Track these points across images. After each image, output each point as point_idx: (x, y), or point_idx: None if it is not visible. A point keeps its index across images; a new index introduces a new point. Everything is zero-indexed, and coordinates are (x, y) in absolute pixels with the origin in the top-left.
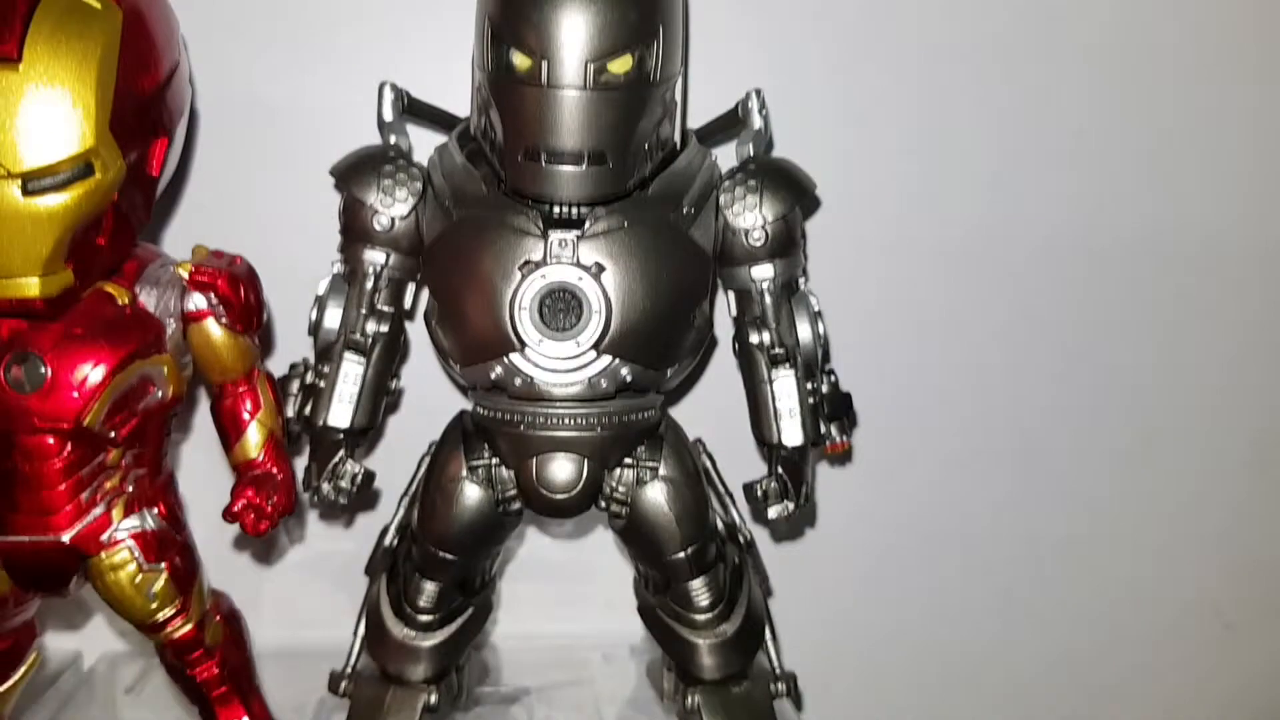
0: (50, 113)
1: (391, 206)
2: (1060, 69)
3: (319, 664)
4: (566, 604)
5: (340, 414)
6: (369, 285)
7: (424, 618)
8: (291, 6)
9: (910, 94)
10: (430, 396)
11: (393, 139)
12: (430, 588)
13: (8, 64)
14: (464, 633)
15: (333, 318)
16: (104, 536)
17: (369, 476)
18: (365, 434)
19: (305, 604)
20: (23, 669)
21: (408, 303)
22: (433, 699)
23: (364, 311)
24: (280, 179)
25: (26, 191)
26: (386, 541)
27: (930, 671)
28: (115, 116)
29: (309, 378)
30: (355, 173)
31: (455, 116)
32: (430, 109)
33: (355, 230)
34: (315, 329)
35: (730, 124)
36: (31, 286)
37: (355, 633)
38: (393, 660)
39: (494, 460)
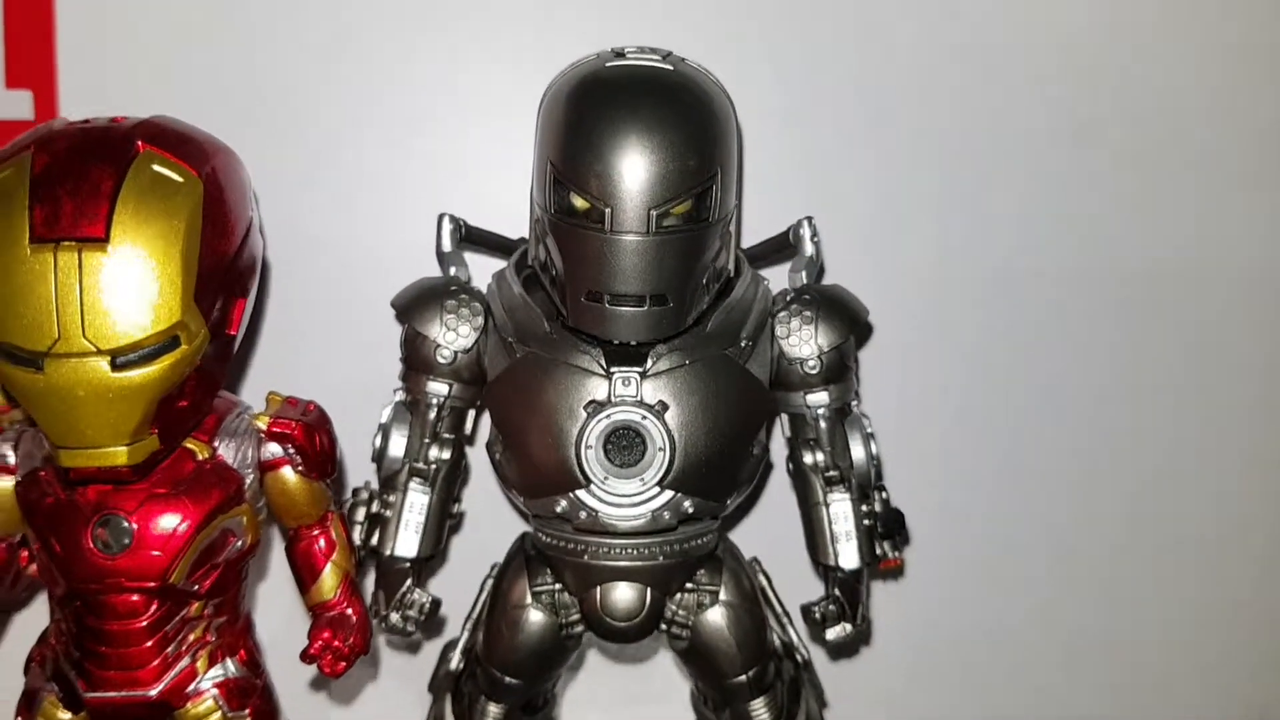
0: (138, 290)
1: (455, 341)
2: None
3: None
4: (620, 705)
5: (407, 543)
6: (432, 415)
7: None
8: (342, 140)
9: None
10: (489, 517)
11: (452, 270)
12: (495, 710)
13: (96, 245)
14: None
15: (397, 445)
16: (189, 688)
17: (436, 604)
18: (430, 560)
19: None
20: None
21: (468, 429)
22: None
23: (427, 440)
24: (336, 311)
25: (115, 367)
26: (452, 666)
27: None
28: (199, 286)
29: (375, 506)
30: (417, 306)
31: (511, 241)
32: (487, 235)
33: (418, 362)
34: (380, 456)
35: (780, 247)
36: (120, 455)
37: None
38: None
39: (557, 586)
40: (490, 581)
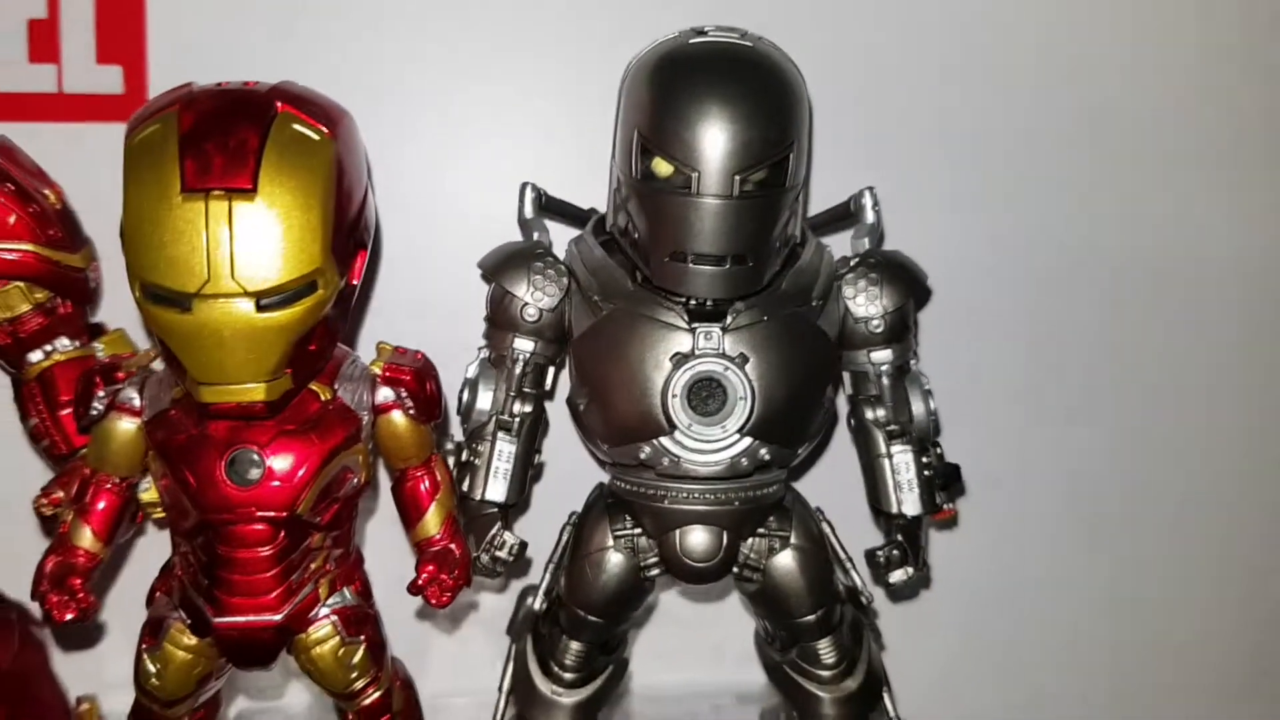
0: (282, 237)
1: (541, 300)
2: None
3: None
4: (677, 658)
5: (496, 489)
6: (517, 370)
7: (569, 675)
8: (424, 114)
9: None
10: (566, 468)
11: (535, 235)
12: (576, 648)
13: (245, 195)
14: (605, 689)
15: (483, 400)
16: (310, 614)
17: (523, 546)
18: (515, 506)
19: (449, 663)
20: None
21: (548, 385)
22: None
23: (512, 394)
24: (419, 275)
25: (259, 308)
26: (536, 606)
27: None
28: (333, 236)
29: (464, 455)
30: (506, 267)
31: (583, 211)
32: (563, 205)
33: (504, 320)
34: (467, 411)
35: (841, 217)
36: (258, 392)
37: (500, 689)
38: (541, 715)
39: (636, 530)
40: (570, 528)
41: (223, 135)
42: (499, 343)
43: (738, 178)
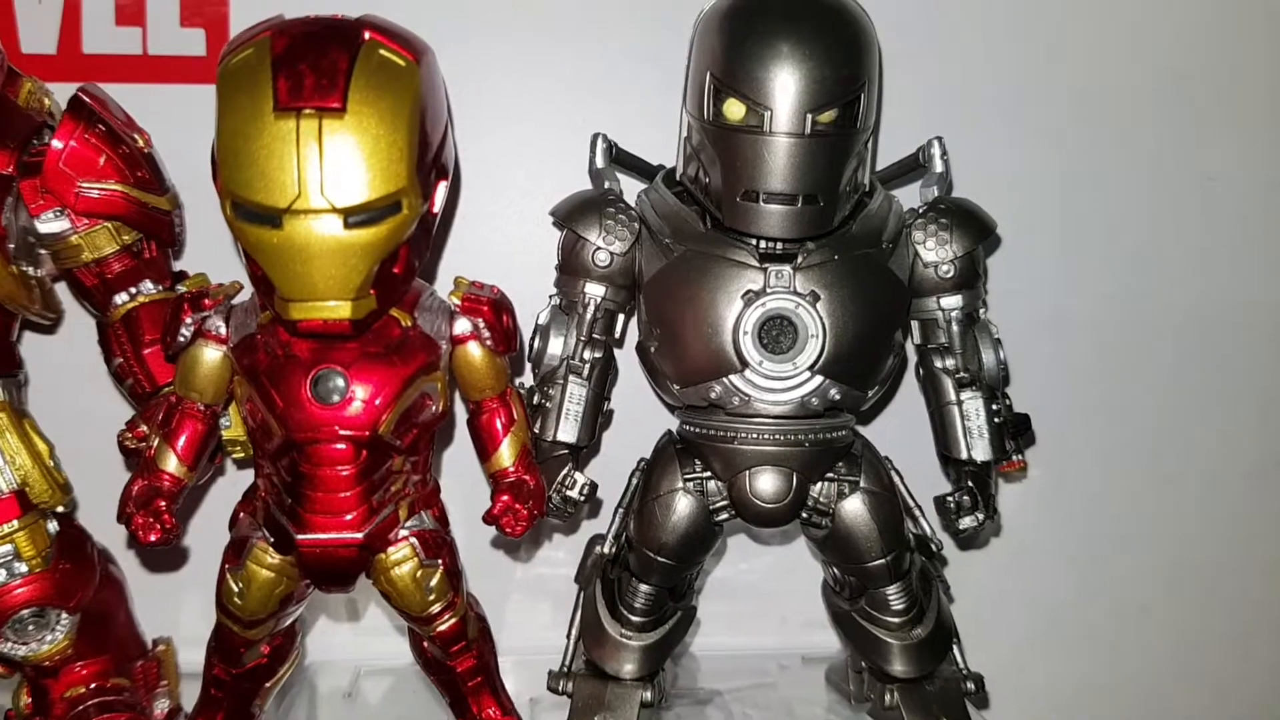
0: (370, 156)
1: (613, 244)
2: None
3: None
4: (744, 621)
5: (568, 430)
6: (588, 316)
7: (638, 619)
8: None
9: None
10: (635, 416)
11: (605, 184)
12: (645, 590)
13: (335, 114)
14: (673, 634)
15: (554, 345)
16: (390, 535)
17: (594, 486)
18: (585, 449)
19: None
20: (287, 666)
21: (617, 332)
22: (648, 695)
23: (583, 339)
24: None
25: (347, 225)
26: (607, 549)
27: (1101, 674)
28: (418, 160)
29: (535, 399)
30: (579, 213)
31: (650, 165)
32: (630, 158)
33: (576, 266)
34: (538, 357)
35: (910, 168)
36: (345, 309)
37: (569, 636)
38: (610, 658)
39: (706, 474)
40: (639, 474)
41: (314, 58)
42: (570, 288)
43: (810, 116)
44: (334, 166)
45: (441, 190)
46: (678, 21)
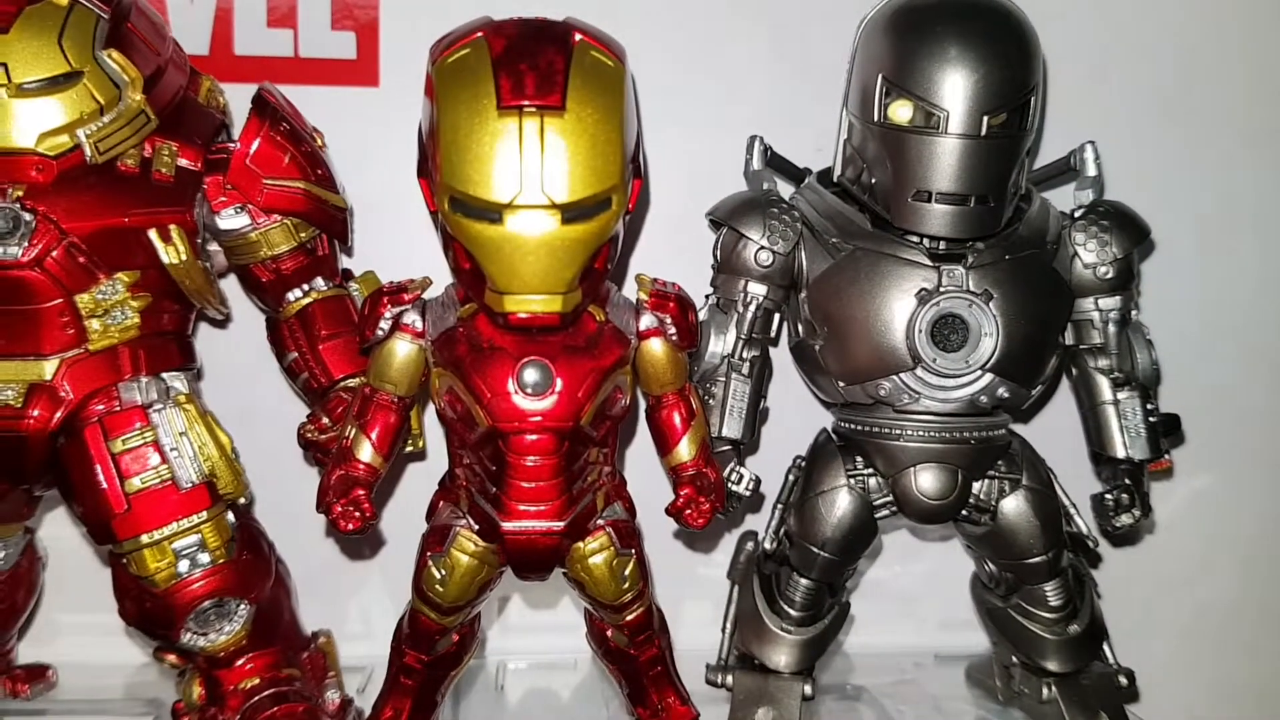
0: (587, 153)
1: (776, 244)
2: None
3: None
4: (887, 625)
5: (733, 427)
6: (749, 315)
7: (797, 613)
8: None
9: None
10: (786, 416)
11: (764, 185)
12: (805, 584)
13: (555, 112)
14: (830, 629)
15: (713, 344)
16: (589, 524)
17: (758, 481)
18: (745, 445)
19: None
20: (470, 655)
21: (773, 331)
22: (808, 689)
23: (743, 338)
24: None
25: (564, 220)
26: (766, 545)
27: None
28: (626, 158)
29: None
30: (741, 213)
31: (801, 170)
32: (783, 162)
33: (737, 265)
34: (697, 354)
35: (1061, 171)
36: (556, 302)
37: (724, 630)
38: (770, 652)
39: (868, 471)
40: (796, 470)
41: (532, 58)
42: (729, 288)
43: (985, 118)
44: (554, 163)
45: (637, 190)
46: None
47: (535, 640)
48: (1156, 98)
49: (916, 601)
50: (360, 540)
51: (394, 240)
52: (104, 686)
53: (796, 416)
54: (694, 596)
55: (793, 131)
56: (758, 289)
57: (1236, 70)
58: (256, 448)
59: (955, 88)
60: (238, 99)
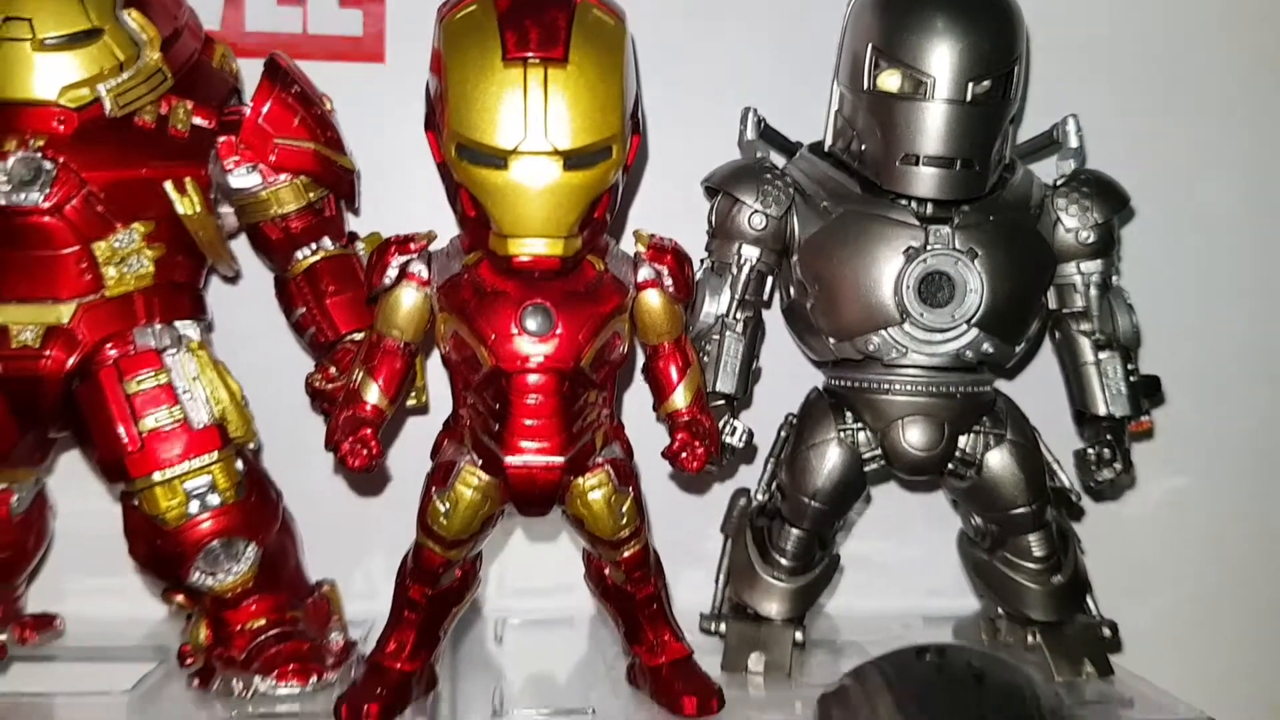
0: (588, 103)
1: (769, 208)
2: None
3: None
4: (873, 590)
5: (726, 382)
6: (742, 277)
7: (789, 563)
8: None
9: None
10: (778, 376)
11: (758, 154)
12: (796, 534)
13: (558, 64)
14: (820, 579)
15: (707, 305)
16: (588, 461)
17: (750, 434)
18: (739, 401)
19: None
20: (471, 592)
21: (766, 294)
22: (798, 635)
23: (736, 299)
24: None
25: (566, 166)
26: (761, 496)
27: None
28: (626, 110)
29: None
30: (736, 179)
31: (792, 143)
32: (775, 134)
33: (731, 229)
34: (693, 316)
35: (1045, 144)
36: (558, 246)
37: (717, 582)
38: (762, 600)
39: (857, 426)
40: (788, 427)
41: (536, 14)
42: (724, 251)
43: (971, 85)
44: (557, 112)
45: (635, 145)
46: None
47: (532, 602)
48: (1138, 71)
49: (906, 574)
50: (366, 490)
51: (399, 212)
52: (110, 635)
53: (788, 379)
54: (691, 566)
55: (789, 108)
56: (751, 252)
57: (1217, 41)
58: (262, 401)
59: (942, 56)
60: (248, 74)
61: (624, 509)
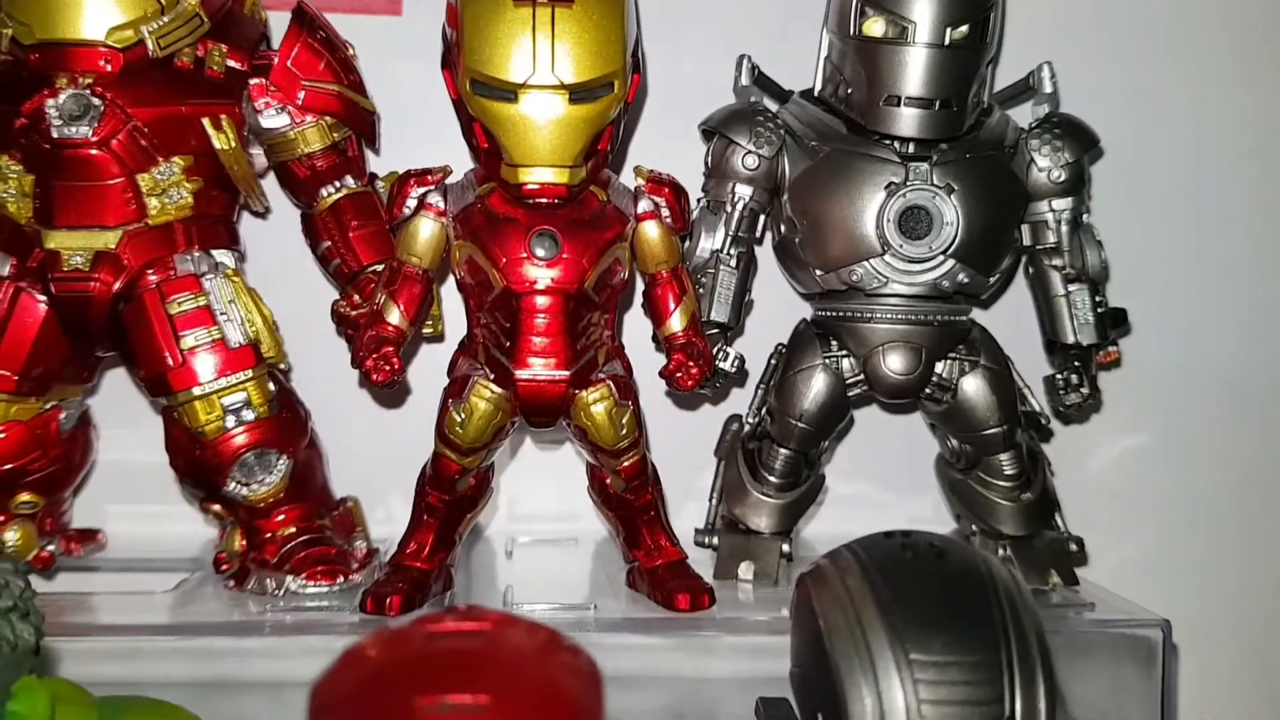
0: (592, 41)
1: (762, 148)
2: None
3: None
4: (849, 526)
5: (720, 311)
6: (735, 214)
7: (776, 479)
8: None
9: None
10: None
11: (752, 98)
12: (784, 454)
13: (565, 4)
14: (806, 496)
15: (703, 242)
16: (591, 376)
17: (742, 359)
18: (732, 330)
19: None
20: (485, 500)
21: (758, 231)
22: (785, 547)
23: (730, 235)
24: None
25: (571, 100)
26: (751, 419)
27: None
28: (628, 48)
29: None
30: (731, 121)
31: (784, 91)
32: (768, 81)
33: (726, 169)
34: (688, 253)
35: (1021, 91)
36: (564, 174)
37: (711, 500)
38: (752, 515)
39: (842, 353)
40: (777, 356)
41: None
42: (719, 191)
43: (949, 29)
44: (563, 49)
45: (635, 84)
46: None
47: (540, 526)
48: (1113, 19)
49: (887, 508)
50: (389, 399)
51: (413, 157)
52: (149, 547)
53: (779, 312)
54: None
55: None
56: (744, 190)
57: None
58: (290, 328)
59: (923, 2)
60: (273, 26)
61: (624, 420)
